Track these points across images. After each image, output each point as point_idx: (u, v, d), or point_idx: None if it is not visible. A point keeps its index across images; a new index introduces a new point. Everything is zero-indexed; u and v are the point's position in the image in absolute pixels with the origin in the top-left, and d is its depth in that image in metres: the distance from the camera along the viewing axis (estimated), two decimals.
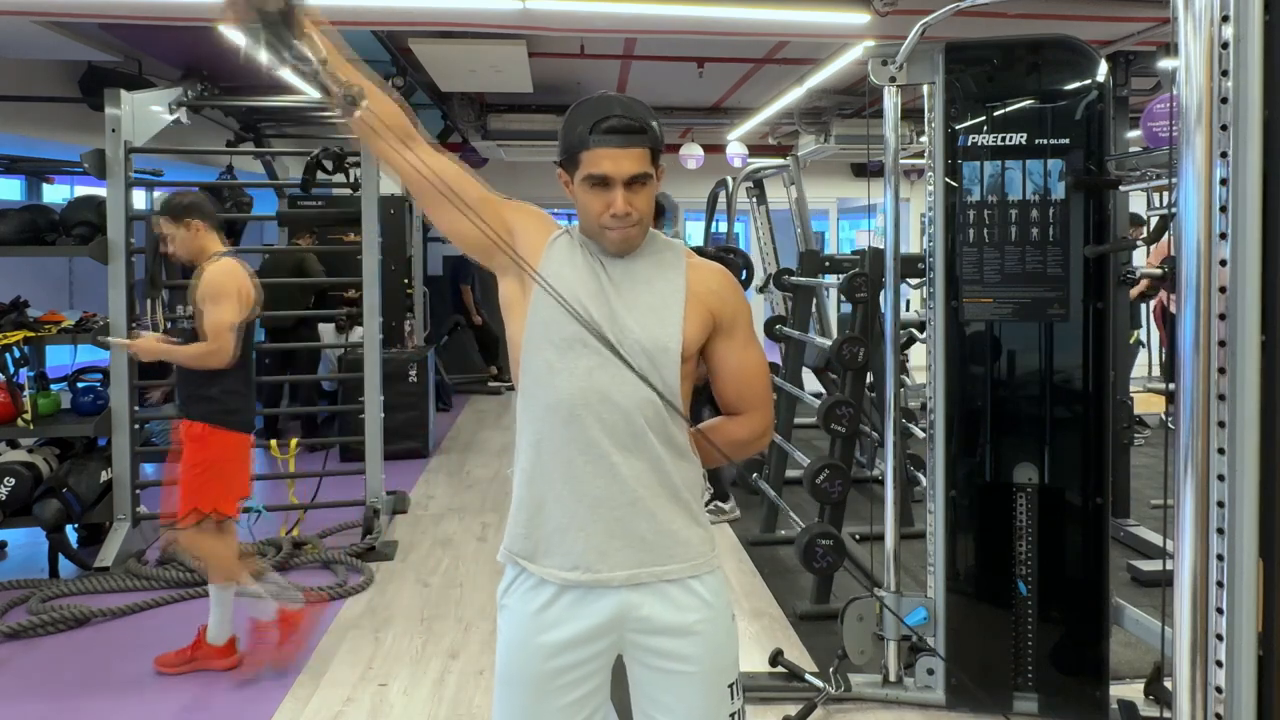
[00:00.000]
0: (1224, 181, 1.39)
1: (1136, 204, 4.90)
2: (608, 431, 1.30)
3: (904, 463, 3.10)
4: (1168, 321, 4.00)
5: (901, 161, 2.83)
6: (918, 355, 6.09)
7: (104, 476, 3.94)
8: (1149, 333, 6.32)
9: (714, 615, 1.36)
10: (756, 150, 8.77)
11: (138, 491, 4.06)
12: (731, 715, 1.37)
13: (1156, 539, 3.96)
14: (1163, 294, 4.41)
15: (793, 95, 6.72)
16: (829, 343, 3.78)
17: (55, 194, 6.71)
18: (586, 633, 1.33)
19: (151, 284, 4.22)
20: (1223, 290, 1.39)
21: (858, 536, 4.04)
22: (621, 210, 1.30)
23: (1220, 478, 1.41)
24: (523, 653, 1.34)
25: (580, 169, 1.31)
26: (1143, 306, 6.14)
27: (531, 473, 1.35)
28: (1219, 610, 1.41)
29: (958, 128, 2.58)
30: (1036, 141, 2.54)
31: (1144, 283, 4.66)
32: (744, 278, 5.45)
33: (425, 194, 1.33)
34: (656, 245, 1.41)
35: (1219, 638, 1.41)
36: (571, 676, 1.33)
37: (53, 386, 4.15)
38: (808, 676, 2.73)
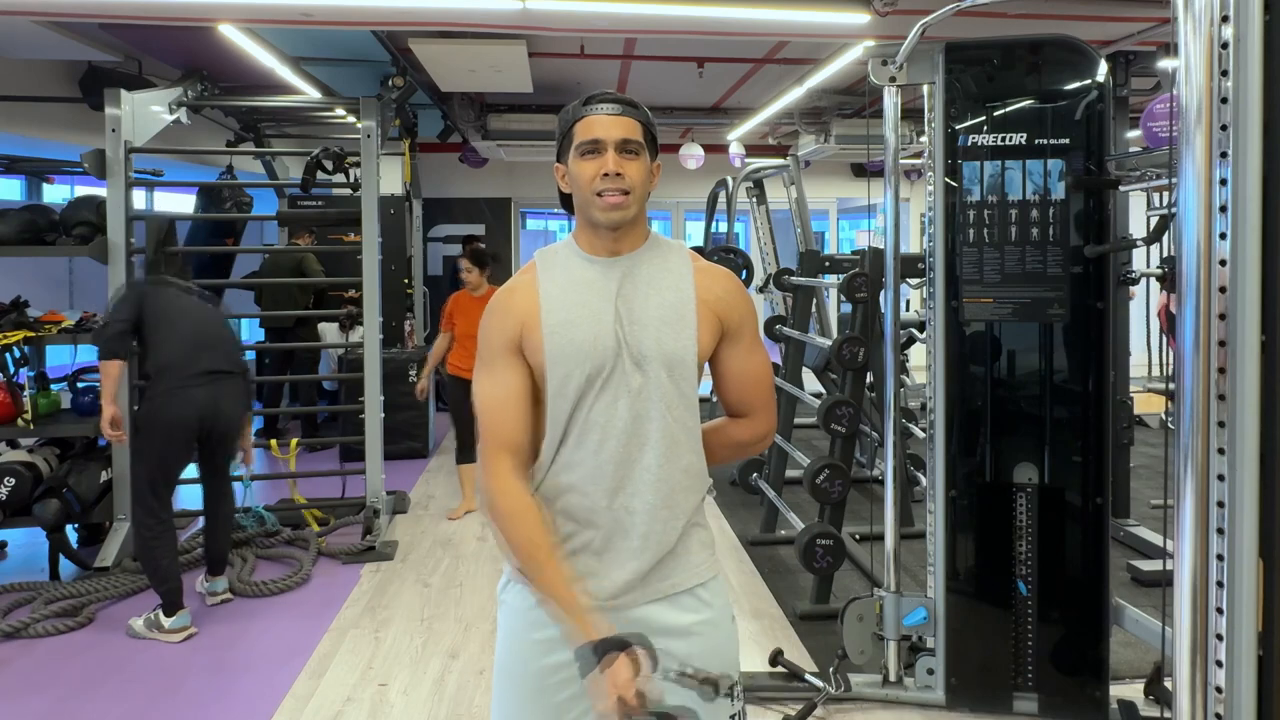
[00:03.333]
0: (1224, 181, 1.39)
1: (1136, 204, 4.90)
2: (626, 465, 1.30)
3: (904, 463, 3.10)
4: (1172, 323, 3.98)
5: (901, 161, 2.83)
6: (918, 355, 6.10)
7: (104, 476, 3.95)
8: (1149, 334, 6.29)
9: (713, 616, 1.36)
10: (756, 150, 8.77)
11: None
12: (731, 717, 1.37)
13: (1156, 539, 3.96)
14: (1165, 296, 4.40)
15: (793, 95, 6.72)
16: (829, 343, 3.78)
17: (55, 194, 6.71)
18: None
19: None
20: (1223, 290, 1.40)
21: (858, 536, 4.04)
22: (613, 168, 1.29)
23: (1220, 478, 1.41)
24: (520, 648, 1.35)
25: (573, 143, 1.32)
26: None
27: (546, 503, 1.34)
28: (1219, 610, 1.41)
29: (958, 128, 2.58)
30: (1036, 141, 2.54)
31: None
32: (744, 278, 5.46)
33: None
34: (660, 247, 1.40)
35: (1219, 638, 1.41)
36: (569, 672, 1.33)
37: (53, 386, 4.15)
38: (808, 676, 2.73)
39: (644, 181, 1.34)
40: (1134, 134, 4.93)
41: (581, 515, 1.32)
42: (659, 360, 1.30)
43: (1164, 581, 1.78)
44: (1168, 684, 1.91)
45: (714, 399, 1.53)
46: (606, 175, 1.29)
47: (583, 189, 1.32)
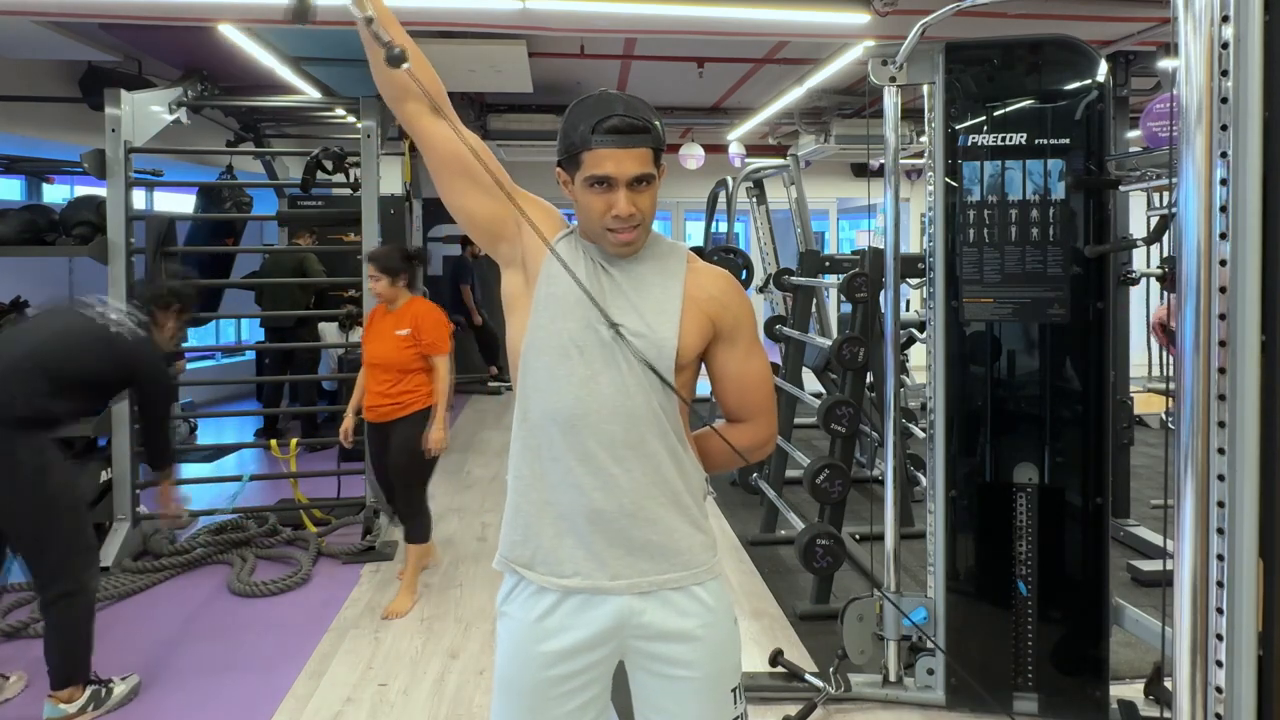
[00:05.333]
0: (1224, 181, 1.39)
1: (1136, 204, 4.90)
2: (606, 440, 1.29)
3: (904, 463, 3.10)
4: (1168, 333, 3.99)
5: (901, 161, 2.83)
6: (918, 355, 6.10)
7: (104, 476, 3.95)
8: (1148, 337, 6.28)
9: (715, 620, 1.35)
10: (756, 150, 8.77)
11: (138, 491, 4.06)
12: (735, 719, 1.37)
13: (1156, 539, 3.96)
14: (1161, 309, 4.36)
15: (793, 95, 6.72)
16: (829, 343, 3.78)
17: (55, 194, 6.71)
18: (587, 640, 1.32)
19: (151, 284, 4.23)
20: (1223, 290, 1.40)
21: (858, 536, 4.04)
22: (625, 212, 1.27)
23: (1220, 478, 1.41)
24: (523, 661, 1.33)
25: (582, 170, 1.29)
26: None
27: (529, 479, 1.34)
28: (1219, 610, 1.41)
29: (958, 128, 2.58)
30: (1036, 141, 2.54)
31: None
32: (744, 278, 5.45)
33: (444, 166, 1.34)
34: (660, 248, 1.39)
35: (1219, 638, 1.41)
36: (572, 684, 1.32)
37: None
38: (808, 676, 2.73)
39: (653, 206, 1.32)
40: (1134, 134, 4.94)
41: (566, 500, 1.31)
42: (636, 353, 1.29)
43: (1164, 581, 1.78)
44: (1168, 684, 1.91)
45: (713, 399, 1.52)
46: (618, 217, 1.28)
47: (592, 220, 1.31)
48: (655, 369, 1.30)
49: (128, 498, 3.97)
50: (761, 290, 6.07)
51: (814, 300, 5.08)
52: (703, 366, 1.42)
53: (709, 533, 1.39)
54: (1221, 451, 1.41)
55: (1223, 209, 1.39)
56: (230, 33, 4.58)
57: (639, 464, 1.30)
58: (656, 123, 1.31)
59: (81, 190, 5.09)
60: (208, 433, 6.78)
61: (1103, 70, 2.52)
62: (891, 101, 2.69)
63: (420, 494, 3.52)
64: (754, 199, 6.54)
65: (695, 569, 1.34)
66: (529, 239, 1.34)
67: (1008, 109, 2.56)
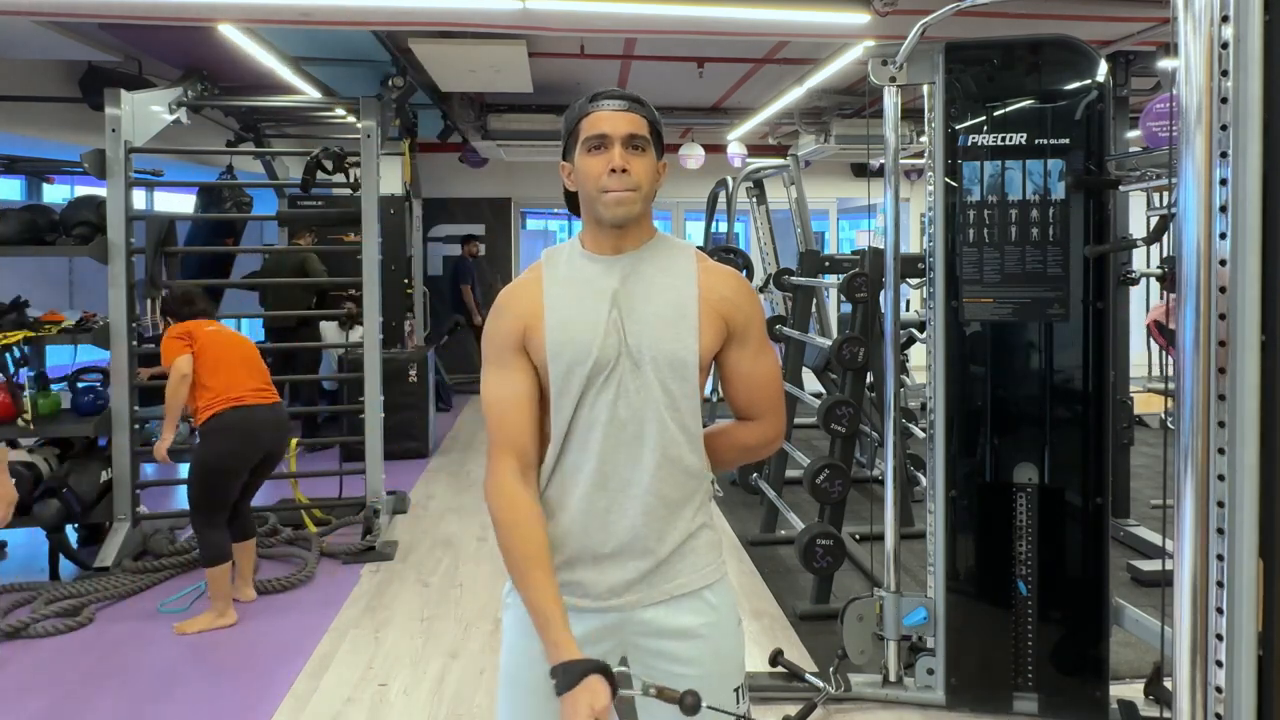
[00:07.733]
0: (1224, 181, 1.39)
1: (1136, 204, 4.91)
2: (624, 465, 1.29)
3: (904, 463, 3.10)
4: (1165, 334, 3.98)
5: (901, 161, 2.83)
6: (918, 355, 6.10)
7: (104, 476, 3.95)
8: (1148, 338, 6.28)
9: (719, 619, 1.35)
10: (756, 150, 8.77)
11: (138, 491, 4.06)
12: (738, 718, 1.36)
13: (1156, 539, 3.96)
14: (1157, 309, 4.37)
15: (793, 95, 6.72)
16: (829, 343, 3.78)
17: (55, 194, 6.71)
18: (590, 634, 1.32)
19: (151, 284, 4.23)
20: (1223, 290, 1.40)
21: (858, 536, 4.04)
22: (619, 164, 1.28)
23: (1220, 478, 1.41)
24: (526, 653, 1.33)
25: (579, 139, 1.32)
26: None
27: (547, 504, 1.34)
28: (1219, 610, 1.41)
29: (958, 128, 2.58)
30: (1036, 141, 2.54)
31: None
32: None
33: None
34: (666, 247, 1.38)
35: (1219, 638, 1.41)
36: None
37: (53, 386, 4.15)
38: (808, 676, 2.73)
39: (650, 178, 1.32)
40: (1134, 134, 4.93)
41: (581, 516, 1.31)
42: (658, 360, 1.29)
43: (1164, 581, 1.78)
44: (1168, 684, 1.91)
45: (714, 399, 1.52)
46: (613, 172, 1.28)
47: (589, 186, 1.31)
48: (675, 387, 1.30)
49: (128, 498, 3.97)
50: (762, 290, 6.07)
51: (814, 300, 5.08)
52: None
53: (715, 532, 1.39)
54: (1221, 451, 1.41)
55: (1223, 209, 1.39)
56: (230, 33, 4.58)
57: (655, 488, 1.30)
58: (653, 108, 1.36)
59: (81, 190, 5.08)
60: None
61: (1103, 70, 2.52)
62: (891, 101, 2.69)
63: (197, 513, 3.30)
64: (754, 199, 6.54)
65: (700, 572, 1.35)
66: (531, 332, 1.34)
67: (1008, 109, 2.56)
